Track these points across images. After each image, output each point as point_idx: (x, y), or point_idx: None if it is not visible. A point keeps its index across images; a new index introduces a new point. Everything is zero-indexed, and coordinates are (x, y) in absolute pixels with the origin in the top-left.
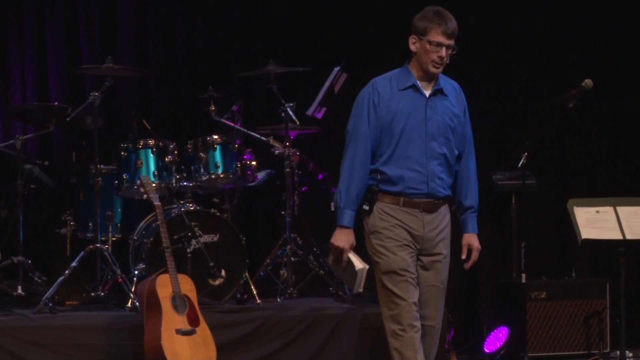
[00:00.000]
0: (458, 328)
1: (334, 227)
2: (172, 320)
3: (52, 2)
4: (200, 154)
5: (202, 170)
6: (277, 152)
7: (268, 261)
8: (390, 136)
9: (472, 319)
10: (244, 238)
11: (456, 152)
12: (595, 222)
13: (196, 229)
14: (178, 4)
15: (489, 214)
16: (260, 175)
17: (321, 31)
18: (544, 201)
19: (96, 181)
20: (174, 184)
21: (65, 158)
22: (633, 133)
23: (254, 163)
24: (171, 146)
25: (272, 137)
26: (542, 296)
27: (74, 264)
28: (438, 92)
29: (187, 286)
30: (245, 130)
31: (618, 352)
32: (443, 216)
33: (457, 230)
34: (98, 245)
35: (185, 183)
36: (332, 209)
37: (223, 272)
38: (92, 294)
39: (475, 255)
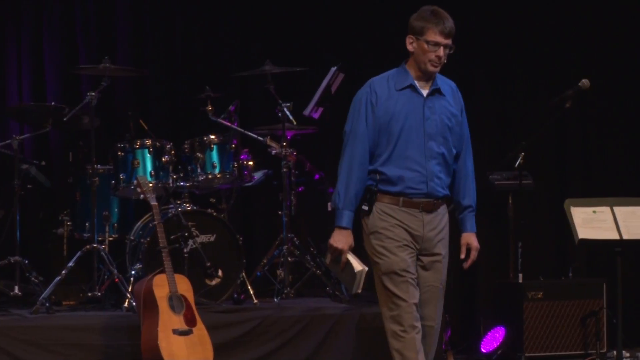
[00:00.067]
0: (455, 328)
1: (332, 227)
2: (169, 321)
3: (49, 1)
4: (197, 154)
5: (199, 170)
6: (274, 152)
7: (265, 261)
8: (388, 136)
9: (469, 319)
10: (241, 238)
11: (454, 151)
12: (592, 222)
13: (193, 229)
14: (175, 4)
15: (486, 214)
16: (257, 175)
17: (318, 31)
18: (541, 201)
19: (93, 181)
20: (171, 184)
21: (62, 158)
22: (630, 133)
23: (251, 163)
24: (168, 146)
25: (269, 137)
26: (539, 296)
27: (70, 264)
28: (435, 91)
29: (184, 286)
30: (242, 130)
31: (615, 352)
32: (442, 216)
33: (456, 230)
34: (95, 245)
35: (182, 183)
36: (329, 209)
37: (220, 272)
38: (89, 294)
39: (474, 255)
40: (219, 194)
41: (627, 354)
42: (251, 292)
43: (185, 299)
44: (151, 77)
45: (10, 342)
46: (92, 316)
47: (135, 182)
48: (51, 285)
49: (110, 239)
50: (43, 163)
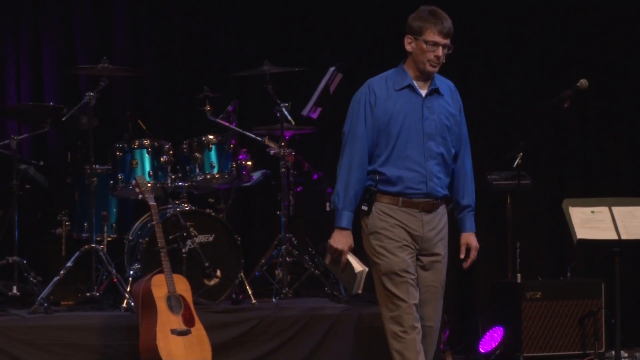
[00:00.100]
0: (453, 328)
1: (330, 227)
2: (167, 321)
3: (48, 1)
4: (196, 154)
5: (197, 170)
6: (272, 152)
7: (263, 261)
8: (387, 137)
9: (467, 319)
10: (240, 238)
11: (453, 151)
12: (591, 222)
13: (191, 229)
14: (174, 4)
15: (484, 214)
16: (256, 175)
17: (316, 31)
18: (539, 201)
19: (91, 181)
20: (169, 184)
21: (61, 158)
22: (629, 133)
23: (249, 163)
24: (166, 146)
25: (267, 137)
26: (538, 296)
27: (69, 264)
28: (434, 91)
29: (183, 286)
30: (241, 130)
31: (613, 352)
32: (441, 216)
33: (454, 230)
34: (93, 245)
35: (180, 183)
36: (328, 209)
37: (218, 272)
38: (88, 294)
39: (473, 254)
40: (217, 194)
41: (626, 354)
42: (249, 292)
43: (184, 299)
44: (149, 77)
45: (9, 342)
46: (91, 316)
47: (133, 182)
48: (49, 285)
49: (109, 239)
50: (41, 163)
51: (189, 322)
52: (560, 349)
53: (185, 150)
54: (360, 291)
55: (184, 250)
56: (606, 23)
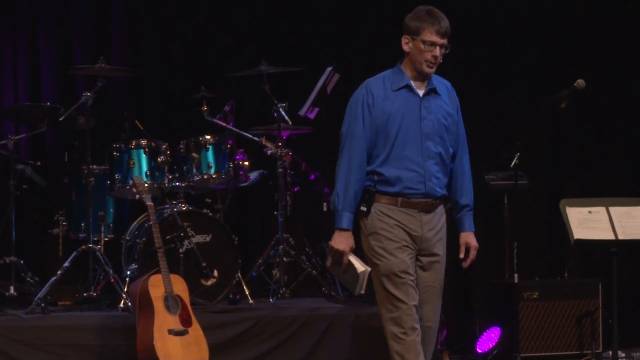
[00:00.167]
0: (450, 328)
1: (327, 227)
2: (164, 321)
3: (45, 1)
4: (193, 154)
5: (194, 171)
6: (269, 152)
7: (260, 261)
8: (385, 137)
9: (464, 319)
10: (237, 238)
11: (451, 151)
12: (588, 222)
13: (188, 229)
14: (171, 4)
15: (482, 214)
16: (253, 175)
17: (314, 31)
18: (536, 201)
19: (88, 181)
20: (167, 184)
21: (58, 158)
22: (625, 133)
23: (246, 163)
24: (164, 146)
25: (264, 137)
26: (535, 296)
27: (66, 264)
28: (431, 91)
29: (180, 286)
30: (238, 131)
31: (610, 352)
32: (440, 216)
33: (453, 230)
34: (90, 245)
35: (177, 183)
36: (325, 209)
37: (215, 273)
38: (85, 294)
39: (473, 254)
40: (214, 194)
41: (623, 354)
42: (247, 293)
43: (181, 299)
44: (147, 77)
45: (6, 342)
46: (88, 316)
47: (130, 182)
48: (47, 285)
49: (106, 239)
50: (38, 163)
51: (186, 322)
52: (557, 349)
53: (182, 151)
54: (363, 292)
55: (181, 251)
56: (603, 23)
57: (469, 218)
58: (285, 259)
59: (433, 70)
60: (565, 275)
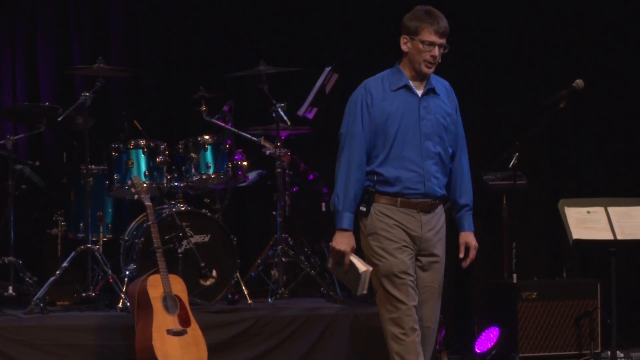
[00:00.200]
0: (449, 328)
1: (326, 227)
2: (163, 321)
3: (43, 2)
4: (191, 154)
5: (193, 171)
6: (268, 152)
7: (259, 261)
8: (385, 137)
9: (463, 319)
10: (235, 238)
11: (450, 150)
12: (586, 222)
13: (187, 229)
14: (169, 4)
15: (480, 215)
16: (252, 175)
17: (312, 31)
18: (535, 201)
19: (87, 181)
20: (165, 184)
21: (56, 158)
22: (624, 134)
23: (245, 163)
24: (162, 146)
25: (263, 137)
26: (533, 296)
27: (65, 264)
28: (430, 91)
29: (178, 286)
30: (237, 131)
31: (609, 352)
32: (439, 216)
33: (451, 230)
34: (89, 245)
35: (176, 183)
36: (324, 209)
37: (214, 273)
38: (83, 294)
39: (473, 254)
40: (213, 194)
41: (621, 354)
42: (245, 293)
43: (180, 299)
44: (145, 77)
45: (4, 342)
46: (86, 316)
47: (129, 182)
48: (45, 285)
49: (105, 239)
50: (37, 163)
51: (184, 322)
52: (556, 349)
53: (181, 151)
54: (365, 291)
55: (179, 251)
56: (602, 24)
57: (469, 218)
58: (283, 259)
59: (432, 70)
60: (564, 275)
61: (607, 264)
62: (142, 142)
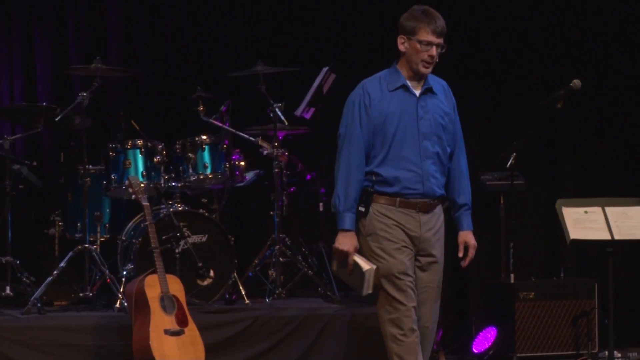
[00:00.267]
0: (447, 328)
1: (323, 227)
2: (160, 321)
3: (41, 2)
4: (189, 154)
5: (190, 171)
6: (265, 152)
7: (257, 261)
8: (383, 137)
9: (460, 319)
10: (233, 238)
11: (448, 150)
12: (584, 222)
13: (185, 229)
14: (167, 4)
15: (478, 215)
16: (249, 175)
17: (310, 32)
18: (532, 201)
19: (85, 181)
20: (163, 185)
21: (54, 158)
22: (621, 133)
23: (242, 163)
24: (160, 146)
25: (260, 137)
26: (531, 296)
27: (62, 264)
28: (428, 91)
29: (176, 286)
30: (234, 131)
31: (606, 352)
32: (438, 216)
33: (450, 230)
34: (86, 245)
35: (173, 183)
36: (321, 209)
37: (212, 273)
38: (81, 295)
39: (472, 253)
40: (210, 194)
41: (619, 354)
42: (243, 293)
43: (177, 300)
44: (143, 77)
45: (2, 343)
46: (84, 316)
47: (126, 182)
48: (43, 285)
49: (102, 239)
50: (34, 163)
51: (182, 322)
52: (553, 349)
53: (178, 151)
54: (370, 291)
55: (177, 251)
56: (600, 24)
57: (467, 217)
58: (281, 259)
59: (429, 70)
60: (562, 275)
61: (604, 264)
62: (140, 142)
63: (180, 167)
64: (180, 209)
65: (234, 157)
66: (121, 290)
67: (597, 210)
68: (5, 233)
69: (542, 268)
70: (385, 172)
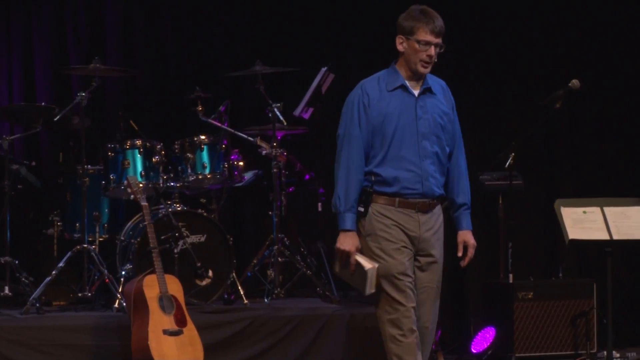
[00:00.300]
0: (445, 328)
1: (322, 227)
2: (159, 321)
3: (39, 2)
4: (188, 154)
5: (189, 171)
6: (264, 152)
7: (255, 261)
8: (382, 137)
9: (459, 319)
10: (231, 238)
11: (447, 150)
12: (583, 222)
13: (183, 229)
14: (166, 5)
15: (476, 215)
16: (248, 175)
17: (308, 32)
18: (531, 201)
19: (83, 181)
20: (161, 185)
21: (53, 158)
22: (620, 133)
23: (241, 163)
24: (158, 146)
25: (259, 137)
26: (529, 296)
27: (61, 264)
28: (426, 90)
29: (175, 286)
30: (233, 131)
31: (605, 352)
32: (437, 216)
33: (449, 230)
34: (85, 245)
35: (172, 183)
36: (320, 209)
37: (210, 273)
38: (80, 295)
39: (471, 252)
40: (209, 194)
41: (618, 354)
42: (241, 293)
43: (176, 300)
44: (141, 77)
45: (0, 343)
46: (83, 316)
47: (125, 182)
48: (41, 285)
49: (101, 239)
50: (33, 163)
51: (180, 322)
52: (552, 349)
53: (177, 151)
54: (373, 290)
55: (175, 251)
56: (599, 24)
57: (467, 216)
58: (280, 259)
59: (428, 69)
60: (560, 275)
61: (603, 264)
62: (139, 142)
63: (179, 167)
64: (178, 209)
65: (232, 157)
66: (120, 290)
67: (596, 210)
68: (4, 233)
69: (541, 268)
70: (385, 172)
